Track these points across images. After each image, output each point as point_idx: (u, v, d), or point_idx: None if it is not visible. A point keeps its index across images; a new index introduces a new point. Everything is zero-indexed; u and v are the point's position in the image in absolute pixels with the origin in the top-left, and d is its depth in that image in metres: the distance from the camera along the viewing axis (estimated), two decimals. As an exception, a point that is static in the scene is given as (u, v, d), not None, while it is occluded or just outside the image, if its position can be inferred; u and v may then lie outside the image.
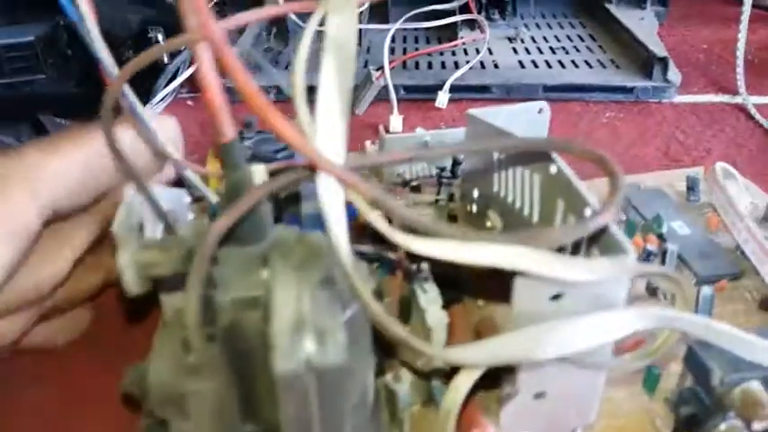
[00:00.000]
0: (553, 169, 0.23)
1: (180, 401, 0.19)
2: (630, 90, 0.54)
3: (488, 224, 0.30)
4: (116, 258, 0.18)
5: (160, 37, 0.58)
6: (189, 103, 0.56)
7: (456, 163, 0.38)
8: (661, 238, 0.32)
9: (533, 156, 0.24)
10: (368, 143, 0.43)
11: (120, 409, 0.23)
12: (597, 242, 0.20)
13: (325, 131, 0.17)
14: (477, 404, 0.21)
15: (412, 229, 0.17)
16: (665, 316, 0.19)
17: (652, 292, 0.30)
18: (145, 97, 0.52)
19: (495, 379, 0.21)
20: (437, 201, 0.36)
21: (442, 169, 0.38)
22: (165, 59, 0.55)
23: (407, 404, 0.22)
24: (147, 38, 0.58)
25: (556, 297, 0.18)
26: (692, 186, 0.37)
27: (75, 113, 0.97)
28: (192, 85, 0.55)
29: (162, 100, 0.54)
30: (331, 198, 0.17)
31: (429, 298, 0.22)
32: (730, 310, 0.29)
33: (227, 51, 0.15)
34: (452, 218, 0.35)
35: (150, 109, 0.52)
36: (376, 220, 0.17)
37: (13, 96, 0.90)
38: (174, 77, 0.55)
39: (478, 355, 0.18)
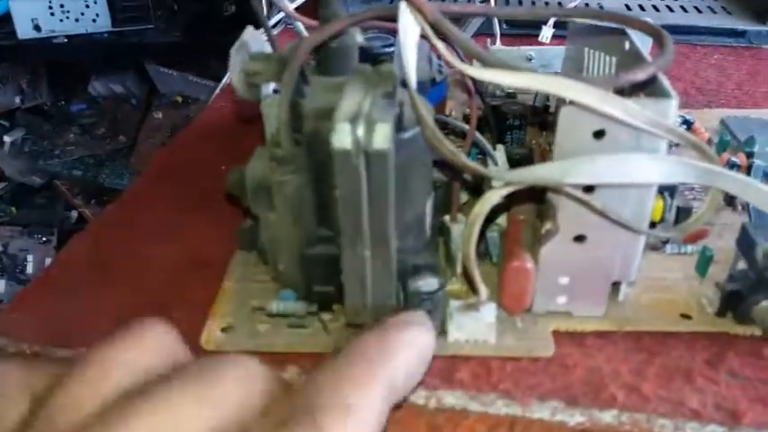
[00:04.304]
0: (626, 46, 0.24)
1: (267, 192, 0.23)
2: (742, 34, 0.52)
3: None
4: (229, 68, 0.22)
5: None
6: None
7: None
8: (750, 156, 0.32)
9: (610, 39, 0.26)
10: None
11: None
12: (645, 89, 0.21)
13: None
14: (520, 242, 0.23)
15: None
16: (708, 170, 0.20)
17: (729, 201, 0.30)
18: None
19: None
20: (529, 112, 0.38)
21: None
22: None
23: (459, 245, 0.25)
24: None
25: (598, 135, 0.20)
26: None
27: (179, 63, 1.06)
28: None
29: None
30: (407, 27, 0.20)
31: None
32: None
33: None
34: (543, 125, 0.36)
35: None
36: (440, 46, 0.20)
37: (122, 45, 1.00)
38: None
39: (518, 175, 0.20)
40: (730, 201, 0.30)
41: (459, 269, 0.26)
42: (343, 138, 0.19)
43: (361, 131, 0.19)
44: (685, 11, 0.57)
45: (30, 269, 1.21)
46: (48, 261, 1.20)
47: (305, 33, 0.29)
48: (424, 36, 0.21)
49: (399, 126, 0.21)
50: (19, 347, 0.25)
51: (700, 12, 0.57)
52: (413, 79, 0.20)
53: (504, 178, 0.20)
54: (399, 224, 0.22)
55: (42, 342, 0.25)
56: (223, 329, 0.24)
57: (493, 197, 0.20)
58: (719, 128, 0.36)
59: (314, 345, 0.23)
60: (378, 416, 0.16)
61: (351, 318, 0.23)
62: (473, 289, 0.21)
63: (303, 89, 0.22)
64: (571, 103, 0.19)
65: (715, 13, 0.56)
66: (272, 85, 0.27)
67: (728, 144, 0.34)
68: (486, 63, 0.19)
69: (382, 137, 0.19)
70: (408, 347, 0.19)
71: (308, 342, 0.24)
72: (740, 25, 0.53)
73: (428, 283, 0.23)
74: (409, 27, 0.20)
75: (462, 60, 0.20)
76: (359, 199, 0.20)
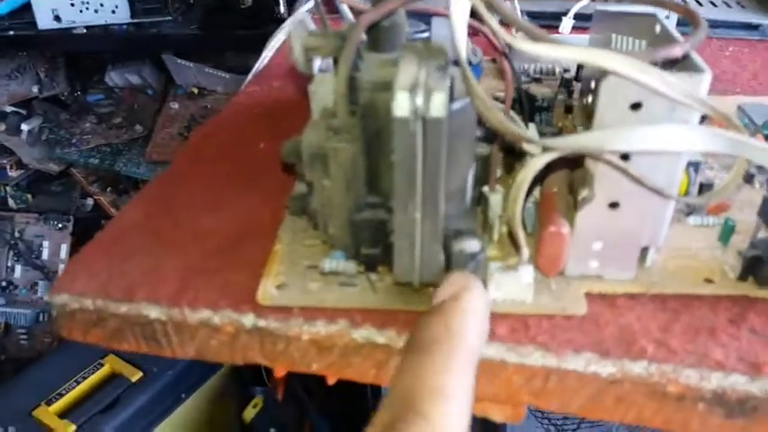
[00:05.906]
0: (657, 29, 0.26)
1: (323, 159, 0.24)
2: (756, 27, 0.54)
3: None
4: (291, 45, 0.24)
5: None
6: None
7: (581, 67, 0.40)
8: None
9: (638, 24, 0.27)
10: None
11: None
12: (676, 67, 0.23)
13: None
14: (558, 208, 0.25)
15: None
16: (738, 140, 0.22)
17: (748, 179, 0.32)
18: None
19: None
20: (557, 95, 0.40)
21: (566, 70, 0.41)
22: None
23: (497, 212, 0.27)
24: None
25: (635, 107, 0.22)
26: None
27: (195, 54, 1.08)
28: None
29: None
30: (459, 3, 0.22)
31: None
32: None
33: None
34: (568, 108, 0.38)
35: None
36: (493, 23, 0.22)
37: (140, 36, 1.02)
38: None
39: (561, 142, 0.22)
40: (749, 179, 0.32)
41: (495, 236, 0.27)
42: (403, 105, 0.21)
43: (419, 100, 0.20)
44: (700, 5, 0.59)
45: (45, 255, 1.23)
46: (63, 247, 1.22)
47: (349, 15, 0.31)
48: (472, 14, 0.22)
49: (450, 97, 0.23)
50: (81, 303, 0.27)
51: (715, 6, 0.59)
52: (464, 53, 0.22)
53: (549, 144, 0.21)
54: (446, 190, 0.24)
55: (103, 297, 0.27)
56: (277, 287, 0.26)
57: (537, 163, 0.21)
58: (737, 113, 0.38)
59: (362, 301, 0.25)
60: (465, 388, 0.20)
61: (400, 276, 0.25)
62: (516, 248, 0.23)
63: (358, 64, 0.24)
64: (609, 75, 0.20)
65: (730, 7, 0.58)
66: (317, 63, 0.28)
67: (746, 128, 0.35)
68: (535, 37, 0.20)
69: (439, 104, 0.20)
70: (471, 315, 0.22)
71: (356, 299, 0.25)
72: (755, 19, 0.54)
73: (471, 245, 0.24)
74: (460, 3, 0.22)
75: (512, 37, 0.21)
76: (414, 163, 0.22)
